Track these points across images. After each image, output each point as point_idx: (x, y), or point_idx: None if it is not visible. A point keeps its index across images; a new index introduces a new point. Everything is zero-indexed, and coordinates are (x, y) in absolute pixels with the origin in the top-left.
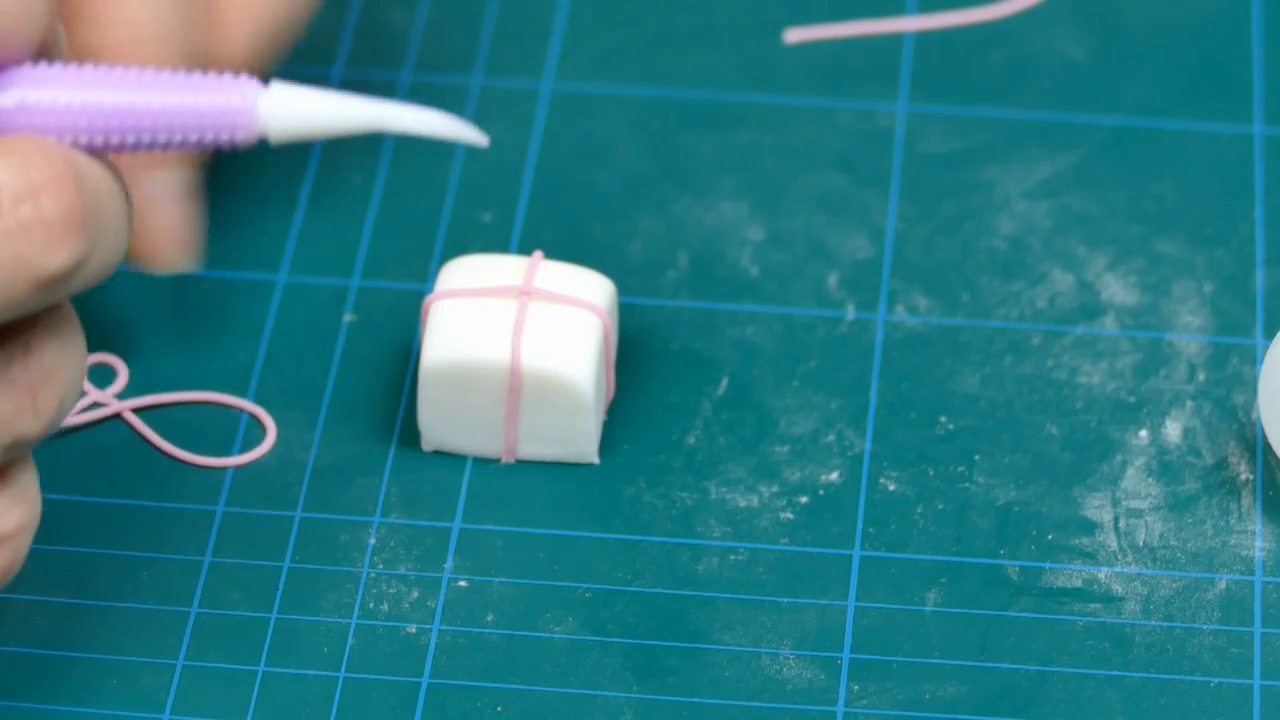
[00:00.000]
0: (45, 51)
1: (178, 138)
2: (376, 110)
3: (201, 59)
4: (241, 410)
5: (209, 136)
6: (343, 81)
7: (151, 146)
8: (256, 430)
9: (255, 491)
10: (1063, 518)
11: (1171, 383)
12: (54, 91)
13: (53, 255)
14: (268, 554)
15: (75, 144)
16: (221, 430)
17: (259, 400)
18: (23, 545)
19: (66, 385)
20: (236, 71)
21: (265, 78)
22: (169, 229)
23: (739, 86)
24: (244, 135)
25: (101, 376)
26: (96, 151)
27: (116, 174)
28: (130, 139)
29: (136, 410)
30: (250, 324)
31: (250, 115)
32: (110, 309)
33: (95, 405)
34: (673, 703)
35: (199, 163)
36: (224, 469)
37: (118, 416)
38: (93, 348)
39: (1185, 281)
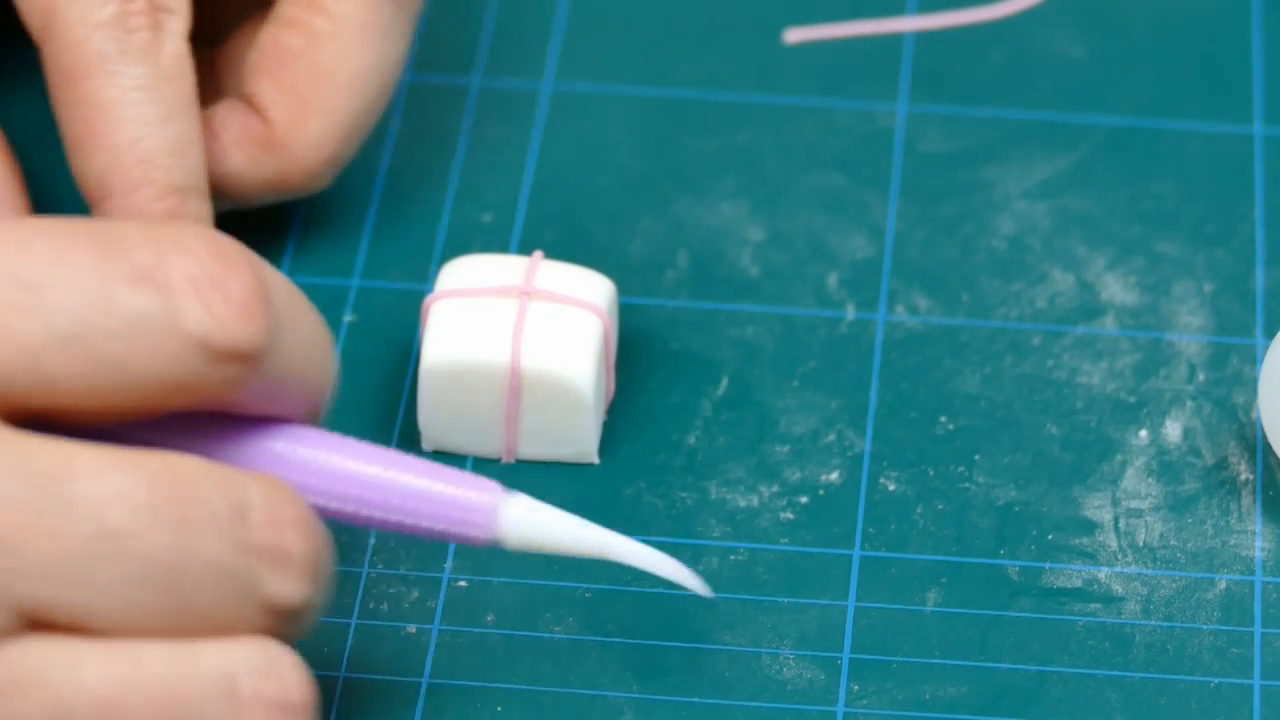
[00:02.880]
0: (313, 418)
1: (411, 520)
2: (608, 541)
3: (256, 168)
4: None
5: (442, 527)
6: None
7: (382, 525)
8: None
9: None
10: (1063, 518)
11: (1171, 383)
12: (311, 451)
13: (284, 586)
14: None
15: (314, 505)
16: None
17: None
18: None
19: None
20: (298, 183)
21: (339, 168)
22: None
23: (739, 86)
24: (481, 535)
25: None
26: (328, 516)
27: (331, 542)
28: (366, 512)
29: None
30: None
31: (490, 517)
32: None
33: None
34: (673, 703)
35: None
36: None
37: None
38: None
39: (1185, 281)
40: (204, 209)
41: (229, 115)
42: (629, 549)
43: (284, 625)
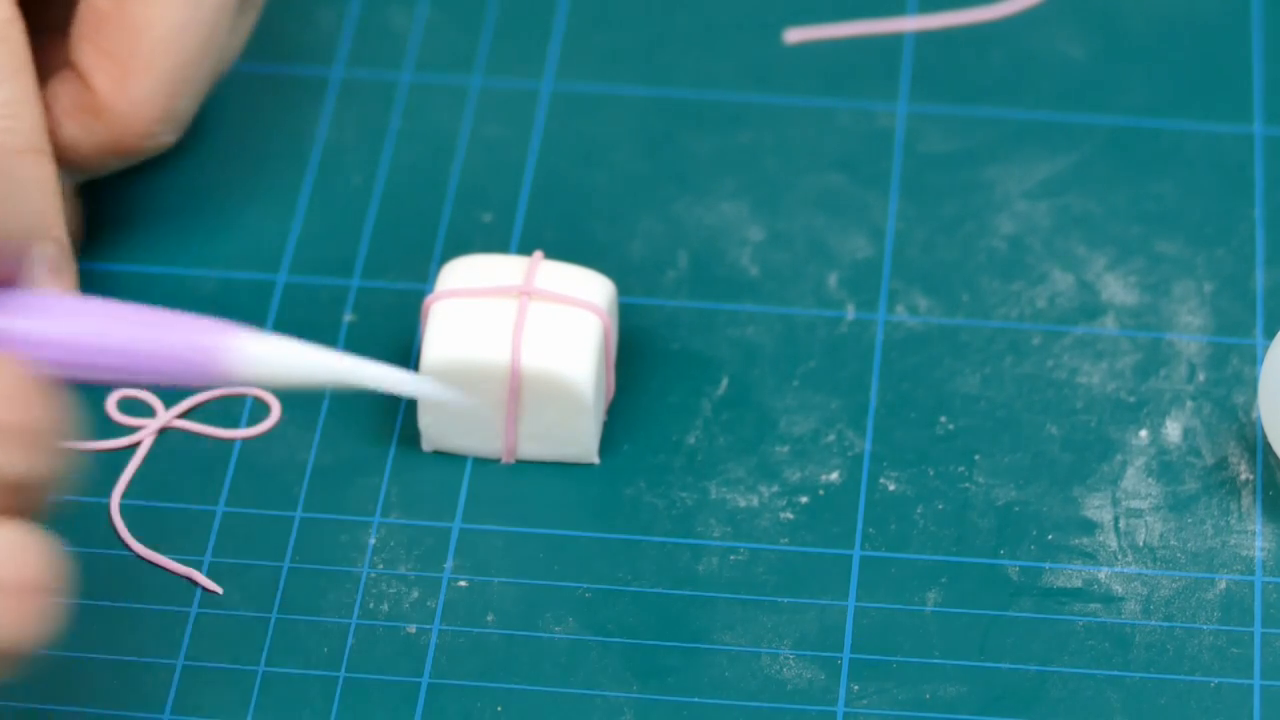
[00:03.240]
0: (43, 269)
1: (145, 377)
2: (348, 366)
3: (87, 135)
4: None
5: (180, 377)
6: (343, 82)
7: (123, 381)
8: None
9: (255, 491)
10: (1063, 518)
11: (1171, 383)
12: (29, 319)
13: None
14: (268, 554)
15: (41, 368)
16: (229, 422)
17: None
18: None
19: None
20: (134, 145)
21: (177, 126)
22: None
23: (739, 86)
24: (216, 378)
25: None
26: (65, 377)
27: (68, 409)
28: (101, 372)
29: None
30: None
31: (223, 358)
32: None
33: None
34: (673, 703)
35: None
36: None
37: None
38: None
39: (1185, 281)
40: (44, 169)
41: (59, 86)
42: (366, 371)
43: (16, 501)
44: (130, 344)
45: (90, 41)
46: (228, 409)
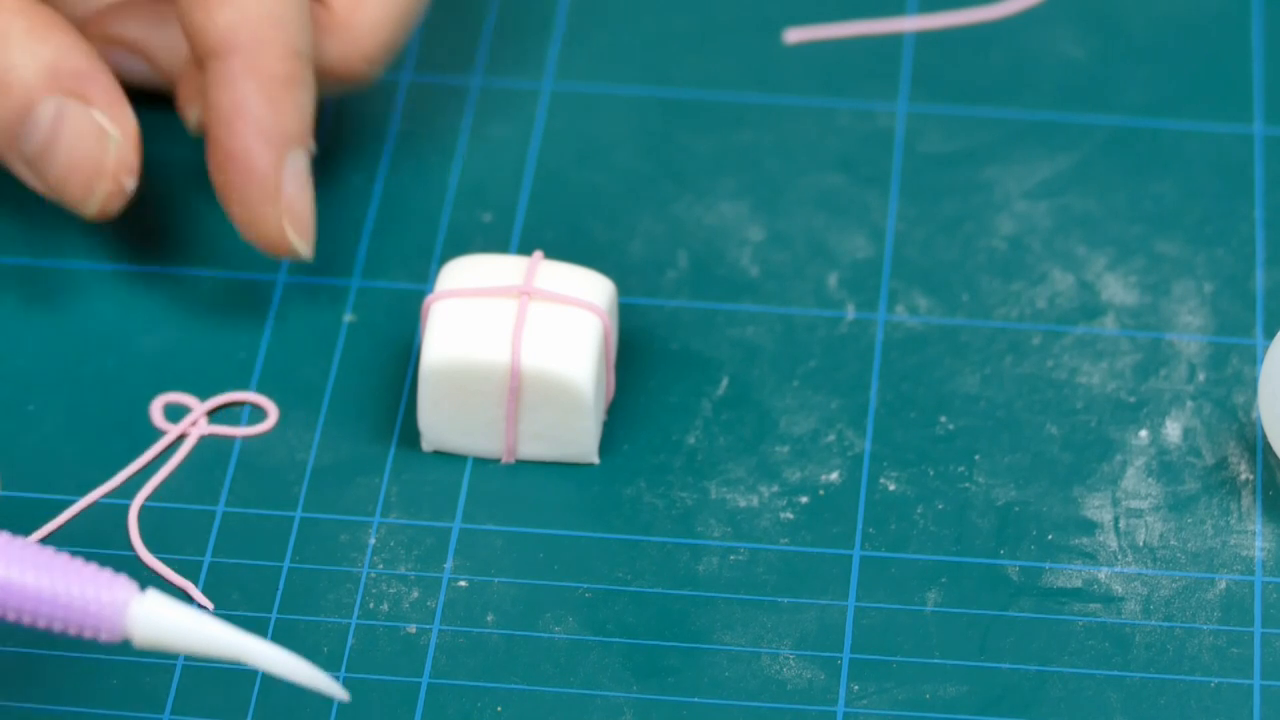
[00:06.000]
0: None
1: (40, 622)
2: (242, 643)
3: (317, 53)
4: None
5: (73, 628)
6: None
7: (10, 620)
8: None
9: (255, 491)
10: (1063, 518)
11: (1171, 383)
12: None
13: None
14: (268, 554)
15: None
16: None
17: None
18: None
19: None
20: (357, 69)
21: (390, 58)
22: (303, 212)
23: (739, 86)
24: (107, 635)
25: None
26: None
27: None
28: None
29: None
30: (250, 324)
31: (118, 617)
32: (113, 310)
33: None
34: (673, 703)
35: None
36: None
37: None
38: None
39: (1185, 281)
40: (311, 76)
41: None
42: (263, 652)
43: None
44: (25, 594)
45: None
46: (227, 412)
